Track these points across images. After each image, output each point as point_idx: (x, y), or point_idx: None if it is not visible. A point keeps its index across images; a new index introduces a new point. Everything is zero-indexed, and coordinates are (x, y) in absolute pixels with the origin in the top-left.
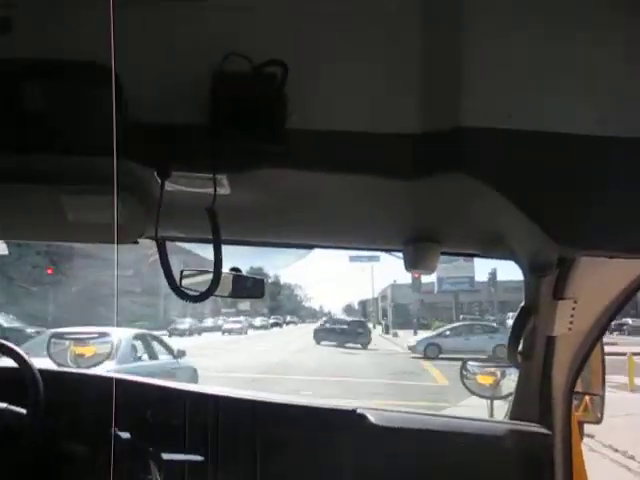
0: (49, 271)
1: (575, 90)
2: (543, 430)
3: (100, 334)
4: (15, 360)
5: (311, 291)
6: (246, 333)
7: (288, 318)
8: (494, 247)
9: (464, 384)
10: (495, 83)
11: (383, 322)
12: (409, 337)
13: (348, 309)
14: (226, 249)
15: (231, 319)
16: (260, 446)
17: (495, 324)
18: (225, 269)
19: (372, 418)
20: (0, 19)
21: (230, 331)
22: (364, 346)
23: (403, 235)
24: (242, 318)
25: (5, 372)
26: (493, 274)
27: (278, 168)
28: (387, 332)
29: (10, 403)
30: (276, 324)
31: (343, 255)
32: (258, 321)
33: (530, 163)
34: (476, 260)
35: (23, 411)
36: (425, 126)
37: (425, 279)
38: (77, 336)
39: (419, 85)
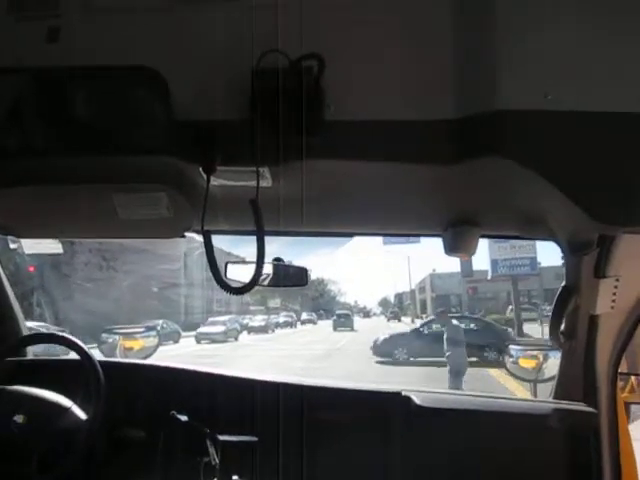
0: (30, 269)
1: (612, 68)
2: (589, 409)
3: (147, 328)
4: (77, 352)
5: (345, 285)
6: (273, 331)
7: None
8: (534, 228)
9: (506, 368)
10: (531, 64)
11: (423, 316)
12: None
13: (384, 302)
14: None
15: (257, 317)
16: (309, 430)
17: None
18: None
19: (417, 400)
20: (48, 29)
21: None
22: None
23: (442, 220)
24: (265, 316)
25: (67, 364)
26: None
27: (317, 159)
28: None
29: (72, 394)
30: (309, 321)
31: (378, 246)
32: (281, 317)
33: (568, 143)
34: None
35: (84, 417)
36: (461, 111)
37: (477, 265)
38: (126, 330)
39: (454, 70)
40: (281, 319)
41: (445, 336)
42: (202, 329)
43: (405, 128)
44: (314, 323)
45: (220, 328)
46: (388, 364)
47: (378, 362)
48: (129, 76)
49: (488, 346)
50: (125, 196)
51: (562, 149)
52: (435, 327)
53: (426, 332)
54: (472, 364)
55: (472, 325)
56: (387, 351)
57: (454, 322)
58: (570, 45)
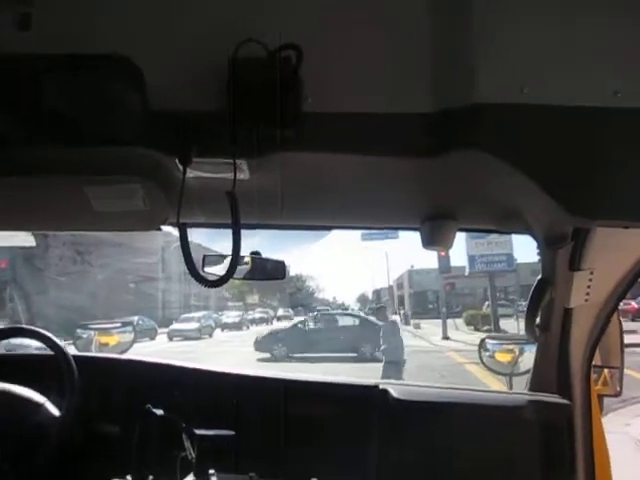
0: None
1: (589, 62)
2: (563, 400)
3: (123, 323)
4: (50, 347)
5: (323, 281)
6: (248, 328)
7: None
8: (510, 221)
9: (483, 362)
10: (507, 58)
11: (401, 312)
12: (435, 329)
13: (362, 299)
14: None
15: (232, 313)
16: (287, 423)
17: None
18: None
19: (394, 393)
20: (20, 16)
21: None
22: None
23: (420, 213)
24: (240, 312)
25: (40, 359)
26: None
27: (295, 151)
28: (407, 323)
29: (46, 390)
30: (285, 317)
31: (357, 242)
32: (257, 314)
33: (544, 136)
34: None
35: (57, 413)
36: (439, 104)
37: (454, 261)
38: (101, 325)
39: (431, 63)
40: (257, 315)
41: (381, 333)
42: (175, 326)
43: (383, 121)
44: (290, 319)
45: (194, 325)
46: (268, 361)
47: (259, 359)
48: (102, 64)
49: (365, 341)
50: (99, 188)
51: (538, 142)
52: (314, 324)
53: (306, 328)
54: (348, 360)
55: (354, 321)
56: (267, 347)
57: (391, 318)
58: (547, 39)
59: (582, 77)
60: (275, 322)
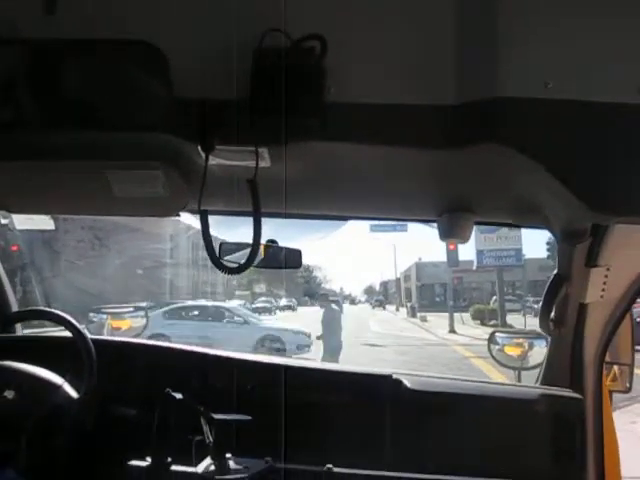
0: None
1: (613, 59)
2: (575, 395)
3: (136, 308)
4: (70, 330)
5: (331, 272)
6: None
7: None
8: (528, 216)
9: (492, 355)
10: (532, 52)
11: (408, 304)
12: (441, 322)
13: (369, 290)
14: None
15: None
16: (300, 410)
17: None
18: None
19: (408, 383)
20: (45, 0)
21: None
22: None
23: (437, 205)
24: (241, 301)
25: (59, 341)
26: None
27: (317, 141)
28: (413, 315)
29: (64, 372)
30: (288, 307)
31: (365, 233)
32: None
33: (567, 132)
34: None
35: (75, 395)
36: (461, 97)
37: (462, 255)
38: (114, 310)
39: (455, 56)
40: (259, 304)
41: (321, 318)
42: None
43: (405, 112)
44: (293, 310)
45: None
46: None
47: None
48: (128, 50)
49: None
50: (120, 173)
51: (561, 138)
52: None
53: None
54: None
55: None
56: None
57: (333, 306)
58: (572, 35)
59: (606, 74)
60: (278, 312)
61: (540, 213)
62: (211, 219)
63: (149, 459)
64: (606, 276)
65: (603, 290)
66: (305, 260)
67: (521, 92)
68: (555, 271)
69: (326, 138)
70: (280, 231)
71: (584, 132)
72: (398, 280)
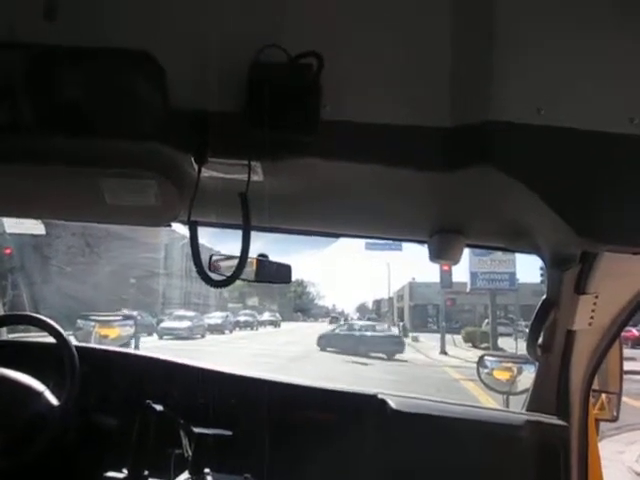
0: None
1: (607, 88)
2: (560, 422)
3: (124, 316)
4: (53, 335)
5: (324, 288)
6: (230, 332)
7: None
8: (518, 240)
9: (480, 379)
10: (527, 79)
11: (400, 324)
12: (433, 343)
13: (362, 308)
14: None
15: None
16: (284, 427)
17: None
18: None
19: (392, 404)
20: (47, 6)
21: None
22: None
23: (429, 226)
24: (224, 314)
25: (42, 347)
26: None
27: (310, 157)
28: (405, 335)
29: (46, 378)
30: (270, 323)
31: (360, 251)
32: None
33: (558, 158)
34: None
35: (56, 402)
36: (455, 119)
37: (456, 277)
38: (102, 317)
39: (450, 79)
40: (241, 318)
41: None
42: (166, 324)
43: (399, 133)
44: (275, 325)
45: (185, 324)
46: None
47: None
48: (125, 59)
49: None
50: (113, 181)
51: (552, 164)
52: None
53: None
54: None
55: None
56: None
57: None
58: (566, 63)
59: (599, 102)
60: (261, 329)
61: (530, 238)
62: (208, 231)
63: (125, 471)
64: (595, 303)
65: (591, 317)
66: (299, 275)
67: (514, 117)
68: (544, 297)
69: (319, 155)
70: (273, 245)
71: (575, 159)
72: (391, 299)
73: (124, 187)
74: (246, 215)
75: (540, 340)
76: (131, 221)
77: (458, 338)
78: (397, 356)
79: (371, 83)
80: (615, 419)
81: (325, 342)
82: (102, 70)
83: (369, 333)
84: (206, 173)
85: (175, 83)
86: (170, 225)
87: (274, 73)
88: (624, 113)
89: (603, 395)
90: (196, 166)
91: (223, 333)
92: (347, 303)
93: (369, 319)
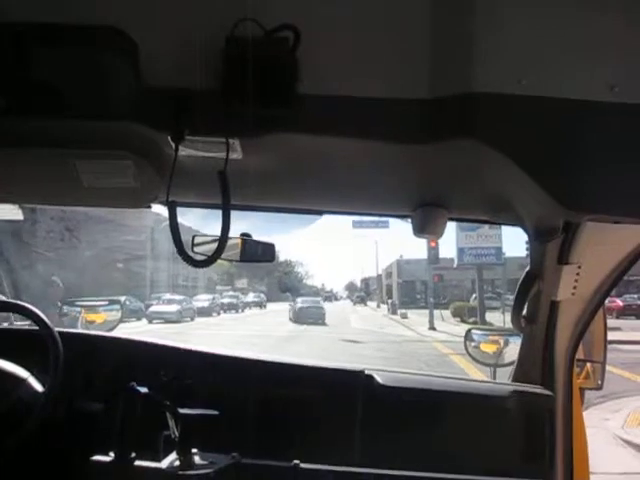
0: None
1: (587, 57)
2: (545, 392)
3: (110, 301)
4: (35, 321)
5: (312, 268)
6: (218, 314)
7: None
8: (501, 212)
9: (468, 352)
10: (507, 49)
11: (389, 301)
12: (421, 319)
13: (350, 287)
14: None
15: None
16: (272, 406)
17: None
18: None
19: (379, 379)
20: None
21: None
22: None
23: (412, 200)
24: (211, 296)
25: (25, 334)
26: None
27: (289, 133)
28: (394, 312)
29: (29, 365)
30: (256, 304)
31: (347, 230)
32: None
33: (539, 129)
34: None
35: (40, 388)
36: (436, 91)
37: (443, 253)
38: (88, 303)
39: (429, 50)
40: (225, 300)
41: None
42: (154, 308)
43: (378, 106)
44: (261, 306)
45: (174, 307)
46: None
47: None
48: (97, 36)
49: None
50: (89, 163)
51: (533, 134)
52: None
53: None
54: None
55: None
56: None
57: None
58: (546, 32)
59: (580, 71)
60: (247, 310)
61: (513, 210)
62: (195, 214)
63: (111, 454)
64: (578, 273)
65: (575, 287)
66: (287, 255)
67: (495, 88)
68: (527, 268)
69: (298, 130)
70: (257, 226)
71: (556, 129)
72: (379, 277)
73: (100, 169)
74: (225, 194)
75: (524, 311)
76: (109, 203)
77: (446, 313)
78: (386, 331)
79: (349, 56)
80: (599, 387)
81: (293, 317)
82: (71, 48)
83: (313, 307)
84: (184, 152)
85: (149, 60)
86: (150, 206)
87: (250, 48)
88: (604, 81)
89: (588, 364)
90: (173, 145)
91: (211, 315)
92: (336, 282)
93: (358, 297)
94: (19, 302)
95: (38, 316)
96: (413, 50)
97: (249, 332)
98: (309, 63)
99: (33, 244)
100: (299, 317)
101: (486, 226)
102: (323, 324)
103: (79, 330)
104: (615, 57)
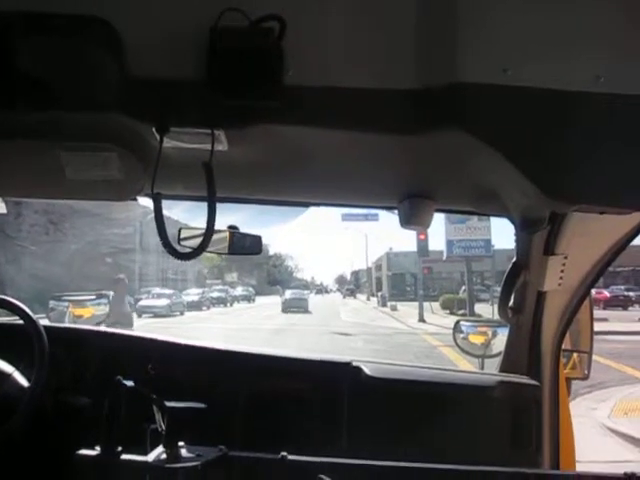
0: None
1: (573, 46)
2: (532, 382)
3: (98, 295)
4: (20, 316)
5: (302, 261)
6: (208, 308)
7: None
8: (488, 203)
9: (457, 344)
10: (492, 39)
11: (379, 294)
12: (411, 311)
13: (340, 279)
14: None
15: (192, 291)
16: (259, 398)
17: None
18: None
19: (367, 370)
20: None
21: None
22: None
23: (398, 192)
24: (200, 290)
25: (10, 328)
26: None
27: (275, 124)
28: (384, 304)
29: (15, 360)
30: (244, 298)
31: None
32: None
33: (525, 119)
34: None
35: (26, 384)
36: (422, 82)
37: (432, 245)
38: (75, 297)
39: (415, 40)
40: (214, 294)
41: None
42: (144, 302)
43: (364, 96)
44: (251, 300)
45: (164, 302)
46: None
47: None
48: (80, 26)
49: None
50: (73, 155)
51: (519, 124)
52: None
53: None
54: None
55: None
56: None
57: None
58: (532, 22)
59: (565, 61)
60: (235, 304)
61: (499, 200)
62: (182, 207)
63: (98, 448)
64: (564, 264)
65: (561, 278)
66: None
67: (480, 78)
68: (514, 259)
69: (284, 121)
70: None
71: (541, 120)
72: (369, 269)
73: (84, 161)
74: (211, 186)
75: (511, 302)
76: (94, 196)
77: (436, 305)
78: (376, 324)
79: (335, 46)
80: (586, 377)
81: (284, 307)
82: (54, 38)
83: (298, 298)
84: (169, 143)
85: (133, 51)
86: (135, 199)
87: (235, 38)
88: (590, 71)
89: (575, 354)
90: (158, 136)
91: (201, 310)
92: (326, 275)
93: (348, 289)
94: (3, 296)
95: (23, 311)
96: (399, 40)
97: (240, 326)
98: (295, 54)
99: (17, 238)
100: (287, 306)
101: (475, 218)
102: (306, 312)
103: (65, 324)
104: (601, 48)
